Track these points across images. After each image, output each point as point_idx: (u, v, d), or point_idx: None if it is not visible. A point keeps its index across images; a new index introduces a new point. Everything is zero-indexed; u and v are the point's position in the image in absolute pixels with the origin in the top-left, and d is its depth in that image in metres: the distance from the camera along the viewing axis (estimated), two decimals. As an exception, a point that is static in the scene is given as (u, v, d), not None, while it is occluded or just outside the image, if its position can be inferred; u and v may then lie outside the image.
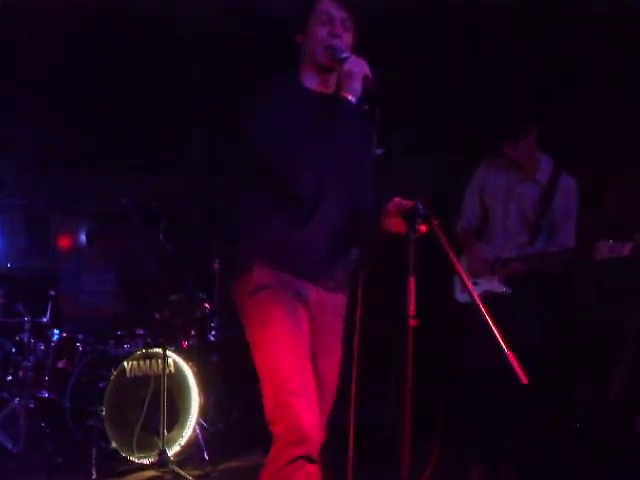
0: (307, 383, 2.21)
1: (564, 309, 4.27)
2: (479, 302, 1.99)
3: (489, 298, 3.63)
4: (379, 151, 2.22)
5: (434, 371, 4.18)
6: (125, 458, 4.09)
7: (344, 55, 2.21)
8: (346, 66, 2.21)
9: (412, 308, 2.02)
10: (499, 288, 3.74)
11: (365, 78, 2.18)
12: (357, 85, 2.18)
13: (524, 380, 1.93)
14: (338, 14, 2.29)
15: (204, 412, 4.53)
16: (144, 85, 5.46)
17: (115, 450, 4.06)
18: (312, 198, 2.27)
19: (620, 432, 4.32)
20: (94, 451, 4.04)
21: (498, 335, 1.94)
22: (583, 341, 4.78)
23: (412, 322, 2.01)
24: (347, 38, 2.28)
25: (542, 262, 3.67)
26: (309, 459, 2.15)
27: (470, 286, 2.12)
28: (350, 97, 2.18)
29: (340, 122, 2.20)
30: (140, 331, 4.63)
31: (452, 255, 2.04)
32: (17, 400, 4.42)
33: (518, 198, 3.80)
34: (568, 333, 4.68)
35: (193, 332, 4.69)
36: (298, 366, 2.22)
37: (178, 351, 4.46)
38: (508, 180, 3.83)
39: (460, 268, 2.11)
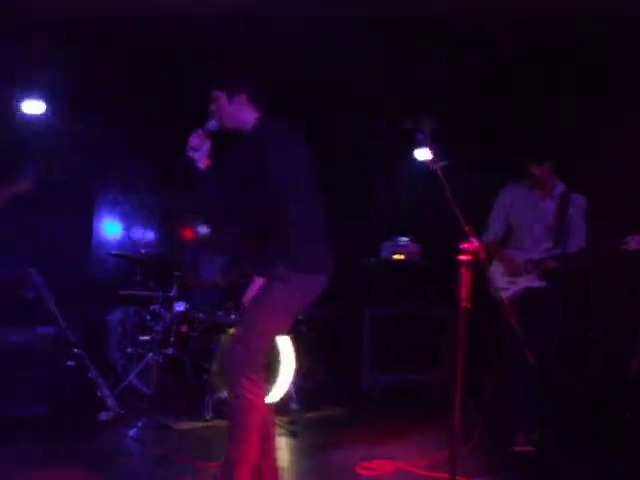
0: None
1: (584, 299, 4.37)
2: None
3: (529, 292, 3.91)
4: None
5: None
6: (232, 405, 4.30)
7: (210, 125, 2.71)
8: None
9: (465, 294, 2.22)
10: (536, 283, 3.91)
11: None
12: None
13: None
14: (210, 99, 2.75)
15: (297, 374, 4.61)
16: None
17: (224, 399, 4.08)
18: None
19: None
20: (207, 398, 4.24)
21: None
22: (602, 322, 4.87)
23: (465, 304, 2.22)
24: (217, 105, 2.72)
25: (570, 260, 3.82)
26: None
27: None
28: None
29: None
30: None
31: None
32: (150, 355, 4.64)
33: (542, 211, 4.00)
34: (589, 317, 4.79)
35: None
36: None
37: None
38: (532, 198, 4.04)
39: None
